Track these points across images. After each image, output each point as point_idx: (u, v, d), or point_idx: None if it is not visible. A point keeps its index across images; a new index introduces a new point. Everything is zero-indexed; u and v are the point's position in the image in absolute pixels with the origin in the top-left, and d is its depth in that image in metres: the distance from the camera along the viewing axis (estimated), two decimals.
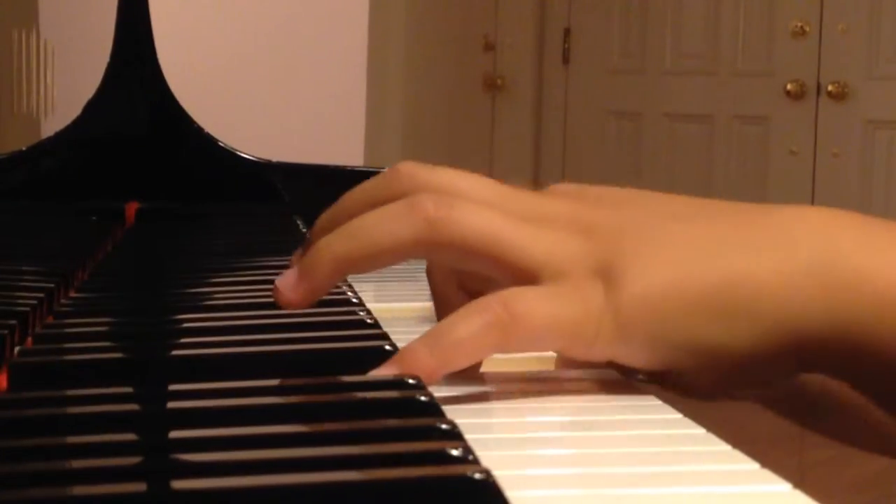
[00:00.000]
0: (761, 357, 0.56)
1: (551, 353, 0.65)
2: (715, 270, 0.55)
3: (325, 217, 0.63)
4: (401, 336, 0.68)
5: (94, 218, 1.27)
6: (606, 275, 0.56)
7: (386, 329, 0.70)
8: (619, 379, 0.61)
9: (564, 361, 0.61)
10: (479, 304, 0.56)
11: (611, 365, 0.60)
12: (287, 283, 0.59)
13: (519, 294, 0.56)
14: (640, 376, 0.59)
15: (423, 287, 0.91)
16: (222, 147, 1.35)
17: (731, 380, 0.58)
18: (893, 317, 0.54)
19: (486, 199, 0.59)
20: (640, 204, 0.60)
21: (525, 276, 0.57)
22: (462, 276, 0.67)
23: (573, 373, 0.62)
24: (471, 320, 0.55)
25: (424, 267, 0.92)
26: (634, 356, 0.57)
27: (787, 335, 0.55)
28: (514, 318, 0.55)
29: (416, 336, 0.69)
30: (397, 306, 0.87)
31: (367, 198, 0.61)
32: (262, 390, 0.58)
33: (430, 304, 0.81)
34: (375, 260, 0.58)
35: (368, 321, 0.73)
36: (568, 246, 0.57)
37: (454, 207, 0.57)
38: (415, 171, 0.60)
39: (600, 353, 0.57)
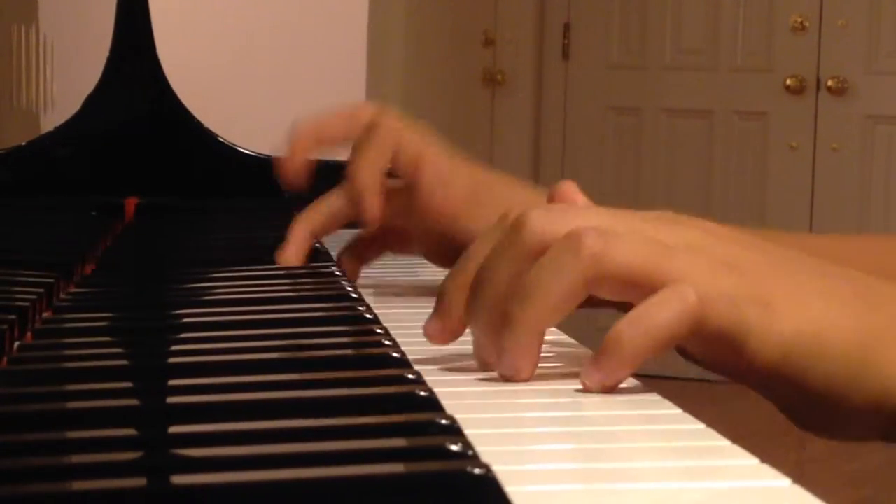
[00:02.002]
0: (865, 411, 0.60)
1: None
2: (850, 327, 0.60)
3: (455, 275, 0.63)
4: (400, 333, 0.68)
5: (93, 213, 1.27)
6: (765, 304, 0.59)
7: (385, 323, 0.70)
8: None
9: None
10: (673, 293, 0.57)
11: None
12: (491, 359, 0.60)
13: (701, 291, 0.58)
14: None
15: (422, 283, 0.91)
16: (222, 142, 1.35)
17: (828, 425, 0.62)
18: None
19: (622, 228, 0.60)
20: (762, 248, 0.63)
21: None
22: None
23: (571, 369, 0.62)
24: (669, 306, 0.57)
25: (423, 263, 0.92)
26: (771, 380, 0.60)
27: (890, 399, 0.60)
28: (702, 307, 0.57)
29: (415, 331, 0.69)
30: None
31: (502, 256, 0.61)
32: (261, 386, 0.58)
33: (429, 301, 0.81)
34: (559, 309, 0.59)
35: (367, 316, 0.73)
36: (723, 277, 0.59)
37: (609, 241, 0.58)
38: (541, 223, 0.60)
39: (747, 364, 0.59)
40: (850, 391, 0.60)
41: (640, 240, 0.59)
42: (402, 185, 0.89)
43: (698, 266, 0.59)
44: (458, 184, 0.89)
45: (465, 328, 0.63)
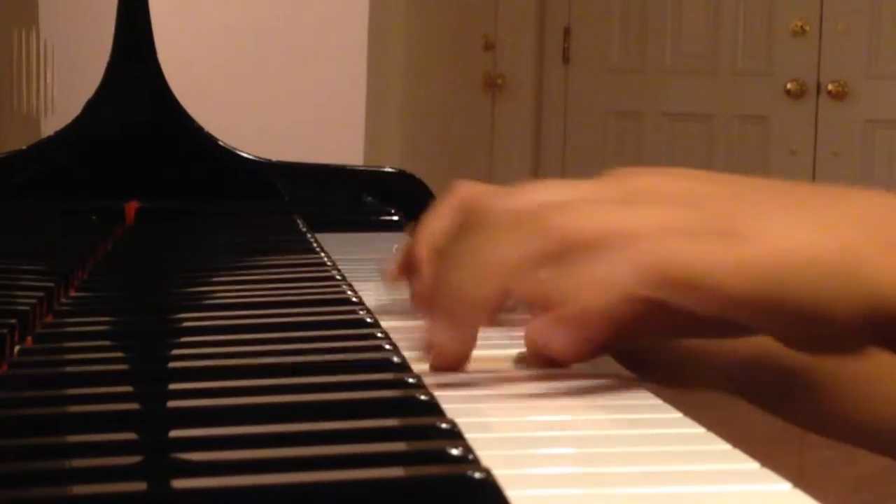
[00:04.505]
0: (853, 323, 0.58)
1: None
2: (827, 239, 0.58)
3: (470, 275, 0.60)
4: (401, 337, 0.68)
5: (94, 217, 1.27)
6: (727, 234, 0.57)
7: (386, 327, 0.70)
8: (619, 378, 0.61)
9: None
10: (619, 254, 0.55)
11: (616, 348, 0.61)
12: (545, 357, 0.60)
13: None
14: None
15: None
16: (222, 146, 1.35)
17: (818, 342, 0.60)
18: None
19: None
20: (718, 179, 0.61)
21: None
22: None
23: (573, 372, 0.62)
24: (617, 261, 0.55)
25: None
26: (742, 307, 0.57)
27: (878, 306, 0.57)
28: (656, 260, 0.56)
29: (412, 335, 0.69)
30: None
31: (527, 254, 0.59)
32: (262, 390, 0.58)
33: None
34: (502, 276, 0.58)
35: (368, 319, 0.73)
36: (678, 220, 0.57)
37: (568, 211, 0.57)
38: (567, 219, 0.58)
39: (717, 303, 0.57)
40: (834, 304, 0.57)
41: (594, 208, 0.57)
42: None
43: (650, 220, 0.57)
44: None
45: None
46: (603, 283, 0.56)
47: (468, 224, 0.59)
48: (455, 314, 0.58)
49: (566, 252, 0.56)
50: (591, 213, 0.57)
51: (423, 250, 0.76)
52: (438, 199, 0.81)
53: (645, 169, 0.62)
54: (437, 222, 0.77)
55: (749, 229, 0.57)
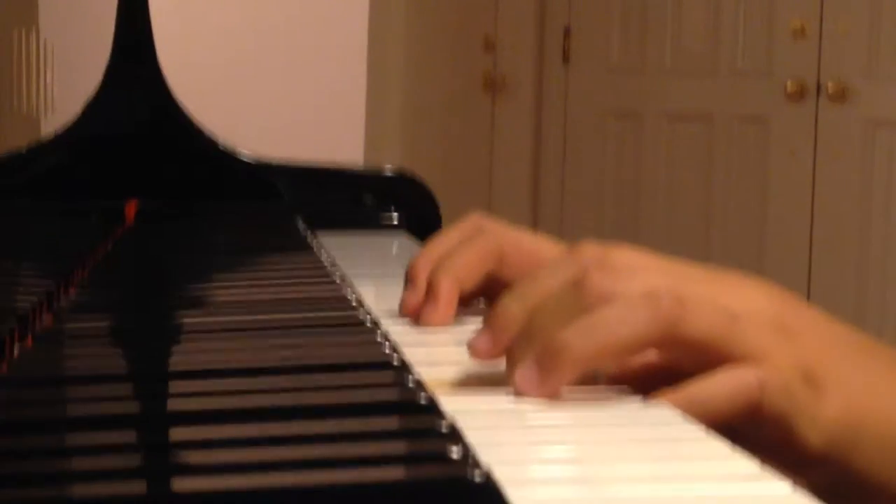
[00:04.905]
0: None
1: None
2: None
3: (518, 300, 0.63)
4: (401, 339, 0.68)
5: (93, 217, 1.27)
6: (814, 384, 0.60)
7: (386, 328, 0.70)
8: (619, 381, 0.61)
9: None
10: (735, 373, 0.59)
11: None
12: (529, 380, 0.59)
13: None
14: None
15: None
16: (222, 147, 1.35)
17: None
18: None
19: (691, 293, 0.61)
20: (817, 317, 0.64)
21: (736, 363, 0.61)
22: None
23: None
24: (728, 383, 0.59)
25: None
26: (817, 464, 0.60)
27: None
28: (760, 390, 0.59)
29: (415, 336, 0.69)
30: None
31: (554, 280, 0.62)
32: (262, 391, 0.58)
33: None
34: (613, 355, 0.60)
35: (368, 321, 0.73)
36: (780, 347, 0.60)
37: (686, 307, 0.59)
38: (602, 285, 0.61)
39: (797, 447, 0.60)
40: (892, 477, 0.60)
41: (711, 309, 0.60)
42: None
43: (761, 339, 0.60)
44: None
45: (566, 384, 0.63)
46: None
47: (580, 290, 0.61)
48: (554, 369, 0.59)
49: (673, 344, 0.59)
50: (710, 314, 0.59)
51: (424, 267, 0.78)
52: (451, 222, 0.82)
53: (757, 282, 0.64)
54: (445, 244, 0.79)
55: (831, 384, 0.60)
